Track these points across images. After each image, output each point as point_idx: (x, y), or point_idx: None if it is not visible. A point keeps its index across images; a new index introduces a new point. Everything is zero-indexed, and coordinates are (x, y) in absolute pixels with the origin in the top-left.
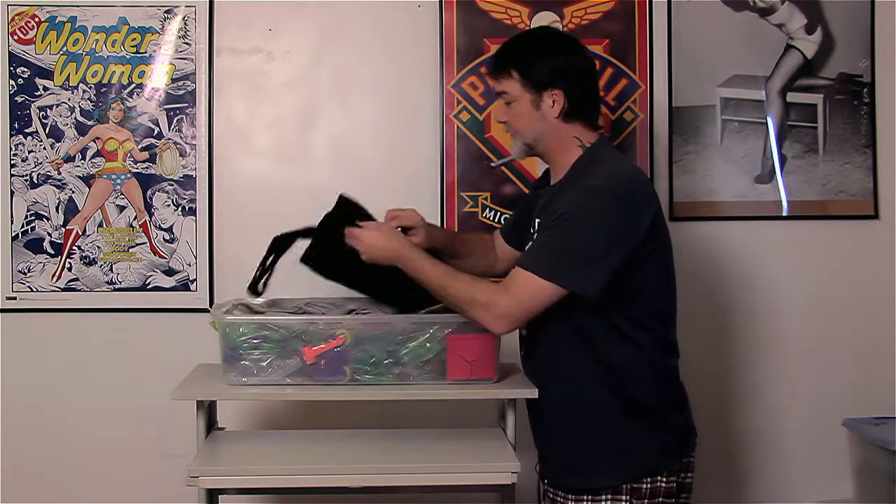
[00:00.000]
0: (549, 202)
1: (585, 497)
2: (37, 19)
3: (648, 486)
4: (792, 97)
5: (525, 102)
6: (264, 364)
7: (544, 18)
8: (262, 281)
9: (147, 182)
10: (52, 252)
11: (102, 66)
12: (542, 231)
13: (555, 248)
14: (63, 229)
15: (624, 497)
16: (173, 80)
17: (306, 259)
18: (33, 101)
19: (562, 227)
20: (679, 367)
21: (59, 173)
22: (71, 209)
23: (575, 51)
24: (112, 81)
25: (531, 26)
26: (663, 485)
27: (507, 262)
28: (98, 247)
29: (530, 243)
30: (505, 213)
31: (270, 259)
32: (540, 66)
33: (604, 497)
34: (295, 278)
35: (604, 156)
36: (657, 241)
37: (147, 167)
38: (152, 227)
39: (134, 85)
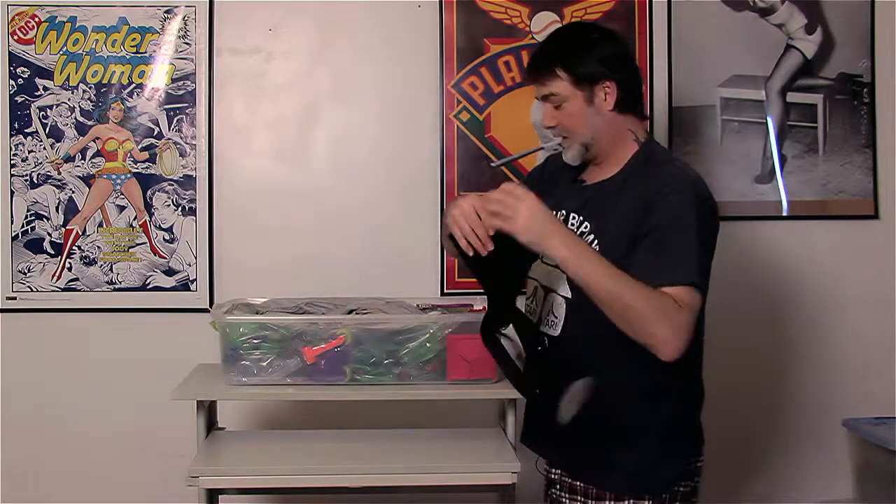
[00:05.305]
0: (605, 200)
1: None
2: (37, 19)
3: (668, 497)
4: (792, 97)
5: (577, 101)
6: (264, 364)
7: (544, 18)
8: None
9: (147, 182)
10: (52, 252)
11: (102, 66)
12: (642, 242)
13: (681, 251)
14: (63, 229)
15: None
16: (173, 80)
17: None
18: (33, 101)
19: (672, 234)
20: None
21: (59, 173)
22: (71, 209)
23: (615, 38)
24: (112, 81)
25: (531, 26)
26: (681, 490)
27: None
28: (98, 247)
29: (637, 264)
30: None
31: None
32: (587, 60)
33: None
34: (295, 278)
35: (661, 155)
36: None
37: (147, 167)
38: (152, 227)
39: (134, 85)
